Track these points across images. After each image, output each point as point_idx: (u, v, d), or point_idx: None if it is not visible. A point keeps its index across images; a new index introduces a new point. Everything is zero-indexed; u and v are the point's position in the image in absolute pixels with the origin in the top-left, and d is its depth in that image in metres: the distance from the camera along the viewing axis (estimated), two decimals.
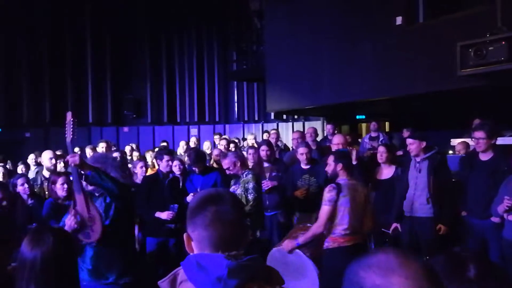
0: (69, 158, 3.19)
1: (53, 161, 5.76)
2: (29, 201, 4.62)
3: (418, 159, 4.74)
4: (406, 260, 0.97)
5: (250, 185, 4.74)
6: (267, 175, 5.41)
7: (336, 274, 4.26)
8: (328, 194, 3.88)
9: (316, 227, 3.92)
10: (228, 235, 1.48)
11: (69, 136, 3.31)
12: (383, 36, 7.21)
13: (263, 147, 5.60)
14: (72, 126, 3.31)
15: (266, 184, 5.20)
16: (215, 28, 13.70)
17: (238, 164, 4.87)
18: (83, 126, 12.84)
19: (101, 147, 7.27)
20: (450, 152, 6.58)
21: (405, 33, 6.91)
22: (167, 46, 13.81)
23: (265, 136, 9.42)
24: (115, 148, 8.73)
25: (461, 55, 5.57)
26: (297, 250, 4.02)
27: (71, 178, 3.60)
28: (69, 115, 3.33)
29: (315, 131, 6.75)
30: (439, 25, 6.47)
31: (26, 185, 4.59)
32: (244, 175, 4.83)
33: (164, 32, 13.73)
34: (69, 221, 3.16)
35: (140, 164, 6.17)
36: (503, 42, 5.13)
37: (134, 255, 3.74)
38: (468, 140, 5.87)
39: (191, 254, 1.50)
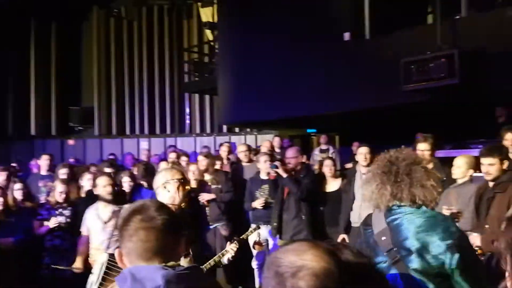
0: None
1: None
2: None
3: (363, 171, 4.79)
4: (314, 245, 1.15)
5: None
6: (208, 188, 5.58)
7: None
8: None
9: None
10: (156, 243, 1.42)
11: None
12: (331, 51, 7.32)
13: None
14: None
15: (202, 197, 5.28)
16: (167, 39, 13.50)
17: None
18: (24, 140, 12.24)
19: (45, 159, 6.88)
20: None
21: (353, 49, 7.04)
22: (116, 54, 13.44)
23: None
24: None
25: (404, 71, 5.73)
26: None
27: None
28: None
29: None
30: (384, 42, 6.65)
31: None
32: None
33: (114, 40, 13.39)
34: None
35: (88, 176, 5.70)
36: (443, 59, 5.31)
37: None
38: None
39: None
